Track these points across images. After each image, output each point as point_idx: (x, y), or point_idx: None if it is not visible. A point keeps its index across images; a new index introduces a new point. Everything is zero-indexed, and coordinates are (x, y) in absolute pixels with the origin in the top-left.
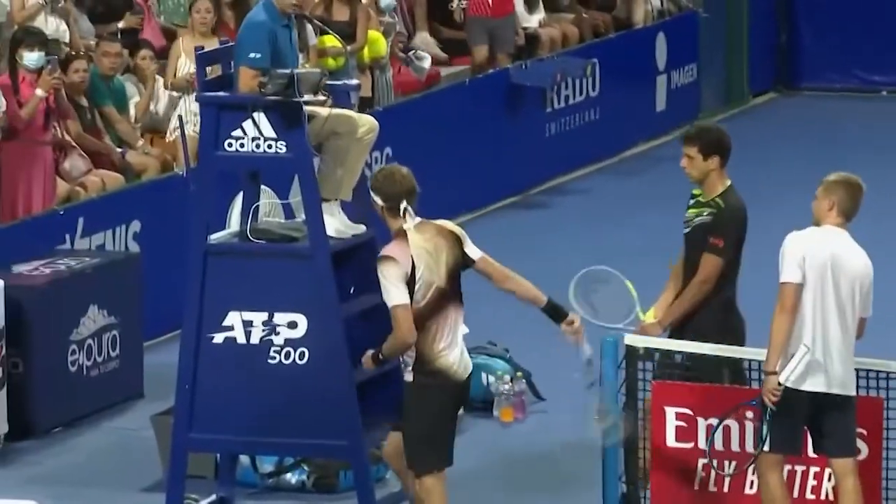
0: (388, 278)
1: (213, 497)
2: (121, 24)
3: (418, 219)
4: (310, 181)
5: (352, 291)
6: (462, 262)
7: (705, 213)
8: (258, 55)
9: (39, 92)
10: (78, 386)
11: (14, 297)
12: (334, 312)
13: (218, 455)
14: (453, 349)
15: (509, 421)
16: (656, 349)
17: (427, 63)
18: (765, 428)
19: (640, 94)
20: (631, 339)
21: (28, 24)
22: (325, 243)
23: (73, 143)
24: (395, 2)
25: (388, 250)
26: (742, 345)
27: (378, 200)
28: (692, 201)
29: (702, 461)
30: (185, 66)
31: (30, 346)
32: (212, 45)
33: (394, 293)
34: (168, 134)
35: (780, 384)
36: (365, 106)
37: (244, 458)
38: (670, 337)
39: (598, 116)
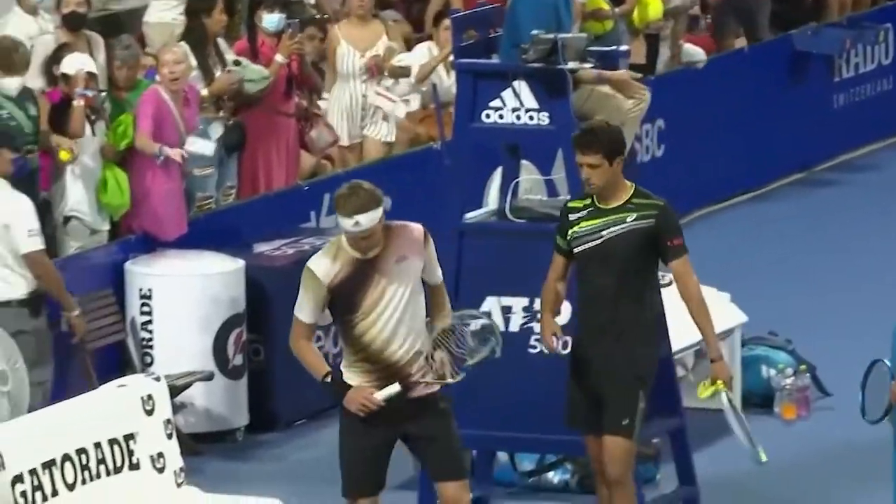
0: None
1: None
2: None
3: None
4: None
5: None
6: None
7: (631, 219)
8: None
9: (279, 58)
10: None
11: (255, 278)
12: None
13: (474, 452)
14: None
15: (792, 418)
16: None
17: (702, 64)
18: None
19: None
20: None
21: None
22: None
23: (318, 113)
24: None
25: None
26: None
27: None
28: (584, 212)
29: None
30: (346, 55)
31: (272, 332)
32: (373, 30)
33: None
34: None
35: None
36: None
37: (502, 456)
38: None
39: (892, 86)
